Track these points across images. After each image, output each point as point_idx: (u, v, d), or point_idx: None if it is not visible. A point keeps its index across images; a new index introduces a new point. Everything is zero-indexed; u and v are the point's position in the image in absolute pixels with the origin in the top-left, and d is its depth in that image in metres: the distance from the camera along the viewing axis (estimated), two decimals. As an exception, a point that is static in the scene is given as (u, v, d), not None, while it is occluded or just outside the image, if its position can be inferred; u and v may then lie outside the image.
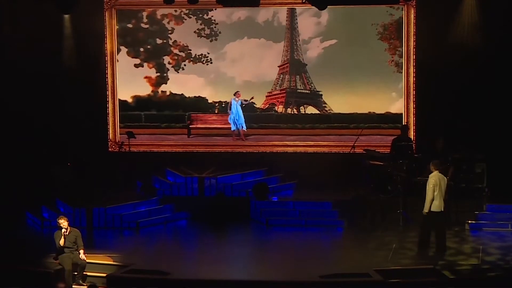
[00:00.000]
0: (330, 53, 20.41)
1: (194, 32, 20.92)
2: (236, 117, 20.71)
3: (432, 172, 15.48)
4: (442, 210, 15.37)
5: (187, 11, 20.88)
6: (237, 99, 20.66)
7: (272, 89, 20.90)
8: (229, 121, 20.80)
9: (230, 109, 20.69)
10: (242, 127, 20.76)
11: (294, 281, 14.37)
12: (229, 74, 20.92)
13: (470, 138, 18.63)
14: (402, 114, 20.15)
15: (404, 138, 18.87)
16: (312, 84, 20.68)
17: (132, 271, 14.87)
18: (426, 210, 15.36)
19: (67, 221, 15.01)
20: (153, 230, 18.26)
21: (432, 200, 15.26)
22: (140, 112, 21.27)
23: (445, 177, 15.53)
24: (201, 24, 20.89)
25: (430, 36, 19.52)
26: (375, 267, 14.55)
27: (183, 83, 21.05)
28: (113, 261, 15.39)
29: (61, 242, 14.86)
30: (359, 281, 14.08)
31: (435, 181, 15.29)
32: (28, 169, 19.66)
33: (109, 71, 21.00)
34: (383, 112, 20.33)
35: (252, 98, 20.74)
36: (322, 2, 18.02)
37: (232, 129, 20.82)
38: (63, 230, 14.89)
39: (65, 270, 14.73)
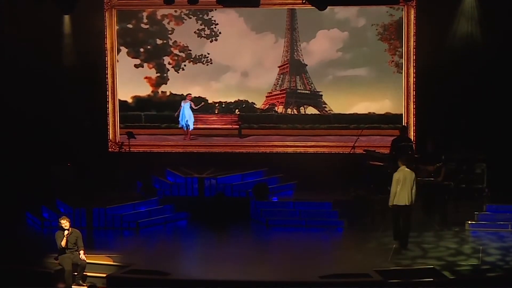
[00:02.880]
0: (331, 53, 20.46)
1: (194, 32, 20.93)
2: (186, 118, 20.80)
3: (400, 167, 15.76)
4: (408, 204, 15.58)
5: (187, 12, 20.89)
6: (186, 101, 20.70)
7: (272, 90, 20.90)
8: (178, 119, 20.93)
9: (179, 111, 20.82)
10: (189, 127, 20.87)
11: (294, 281, 14.36)
12: (236, 66, 20.92)
13: (470, 138, 18.65)
14: (402, 114, 20.15)
15: (404, 139, 18.87)
16: (312, 85, 20.68)
17: (132, 271, 14.85)
18: (390, 203, 15.73)
19: (69, 222, 14.98)
20: (153, 230, 18.24)
21: (395, 193, 15.53)
22: (140, 112, 21.27)
23: (412, 173, 15.76)
24: (201, 25, 20.90)
25: (430, 37, 19.52)
26: (375, 267, 14.55)
27: (184, 83, 21.07)
28: (113, 261, 15.37)
29: (63, 243, 14.82)
30: (359, 281, 14.07)
31: (399, 176, 15.64)
32: (28, 169, 19.67)
33: (109, 71, 21.01)
34: (383, 112, 20.33)
35: (202, 104, 20.80)
36: (322, 2, 18.01)
37: (180, 125, 20.92)
38: (65, 231, 14.88)
39: (65, 270, 14.70)
